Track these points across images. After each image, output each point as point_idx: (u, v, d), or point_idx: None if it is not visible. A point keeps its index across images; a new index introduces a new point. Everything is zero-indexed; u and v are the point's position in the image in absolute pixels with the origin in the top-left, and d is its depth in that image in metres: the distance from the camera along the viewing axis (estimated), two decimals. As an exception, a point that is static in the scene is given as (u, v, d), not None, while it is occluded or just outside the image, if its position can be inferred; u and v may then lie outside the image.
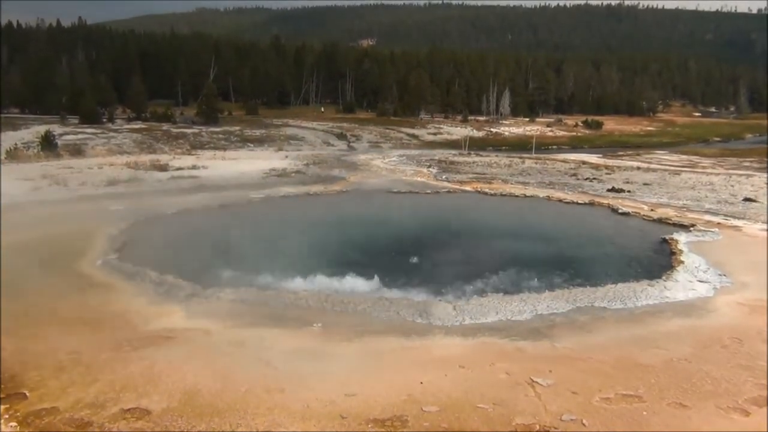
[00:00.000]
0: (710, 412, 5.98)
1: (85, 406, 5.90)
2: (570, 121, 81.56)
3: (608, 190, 22.06)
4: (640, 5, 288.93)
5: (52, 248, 11.91)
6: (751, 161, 37.91)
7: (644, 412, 5.93)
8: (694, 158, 41.15)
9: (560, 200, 19.58)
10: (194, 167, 27.34)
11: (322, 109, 79.32)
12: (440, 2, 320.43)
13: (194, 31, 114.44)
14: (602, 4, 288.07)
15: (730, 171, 31.19)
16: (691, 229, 14.73)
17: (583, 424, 5.68)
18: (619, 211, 17.61)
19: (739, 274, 10.81)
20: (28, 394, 6.13)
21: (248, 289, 9.32)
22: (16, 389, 6.22)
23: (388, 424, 5.65)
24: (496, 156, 39.83)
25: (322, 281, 10.50)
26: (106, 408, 5.87)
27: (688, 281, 10.38)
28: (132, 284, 9.72)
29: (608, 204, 18.65)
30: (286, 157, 35.05)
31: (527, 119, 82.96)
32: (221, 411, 5.83)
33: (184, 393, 6.17)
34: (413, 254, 12.89)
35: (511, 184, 23.60)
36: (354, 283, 10.48)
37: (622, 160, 38.67)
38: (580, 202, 19.24)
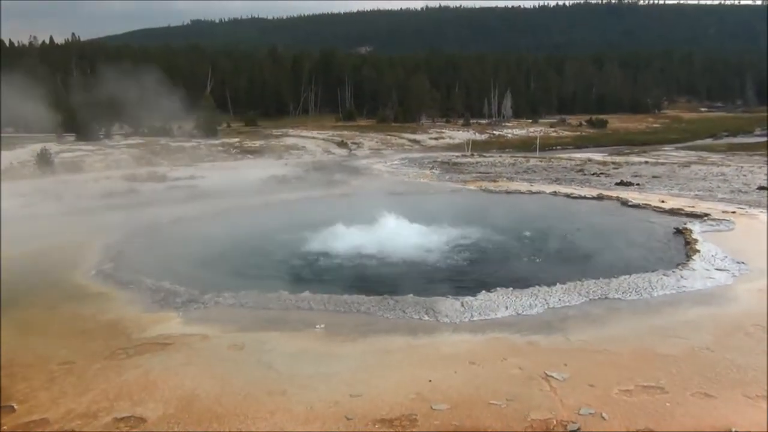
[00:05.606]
0: (738, 401, 5.64)
1: (77, 417, 5.60)
2: (573, 120, 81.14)
3: (616, 184, 21.73)
4: (641, 1, 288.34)
5: (44, 260, 11.57)
6: (761, 154, 37.37)
7: (667, 404, 5.58)
8: (704, 153, 40.63)
9: (568, 195, 19.23)
10: (192, 177, 27.12)
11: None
12: (437, 6, 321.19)
13: (190, 44, 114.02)
14: (602, 1, 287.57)
15: (742, 163, 30.71)
16: (705, 218, 14.32)
17: (603, 417, 5.35)
18: (629, 203, 17.23)
19: (759, 262, 10.40)
20: (16, 407, 5.83)
21: (248, 292, 9.00)
22: (4, 402, 5.92)
23: (396, 424, 5.32)
24: (500, 156, 39.56)
25: (322, 283, 10.21)
26: (98, 418, 5.58)
27: (705, 270, 9.99)
28: (127, 292, 9.40)
29: (617, 197, 18.28)
30: (286, 164, 34.85)
31: (530, 121, 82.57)
32: (220, 416, 5.53)
33: (181, 399, 5.87)
34: (414, 252, 12.58)
35: (517, 181, 23.32)
36: (354, 282, 10.19)
37: (629, 156, 38.29)
38: (588, 196, 18.88)
